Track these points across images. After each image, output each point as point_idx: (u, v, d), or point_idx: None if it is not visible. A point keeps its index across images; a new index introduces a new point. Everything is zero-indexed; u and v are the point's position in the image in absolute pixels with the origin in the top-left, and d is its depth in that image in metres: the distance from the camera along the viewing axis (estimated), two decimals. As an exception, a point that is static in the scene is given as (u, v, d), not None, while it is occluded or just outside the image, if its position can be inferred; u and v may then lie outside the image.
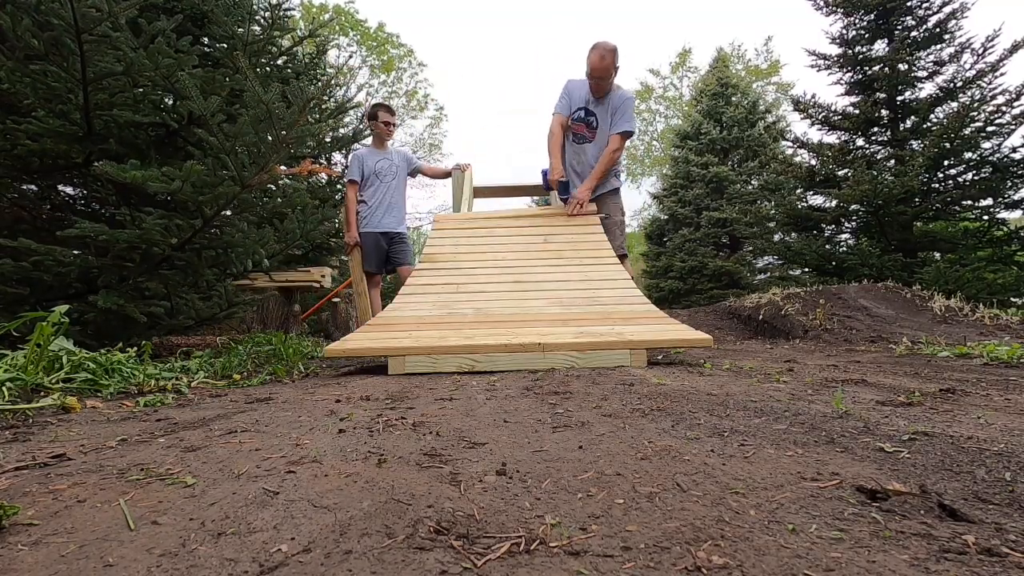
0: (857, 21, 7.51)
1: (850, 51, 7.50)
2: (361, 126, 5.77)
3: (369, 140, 4.27)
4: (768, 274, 11.58)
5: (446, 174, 4.36)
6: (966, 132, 6.09)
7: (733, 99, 13.67)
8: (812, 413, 1.20)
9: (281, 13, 3.68)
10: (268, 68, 3.97)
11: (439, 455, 0.94)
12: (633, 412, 1.27)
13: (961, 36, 6.81)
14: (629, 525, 0.62)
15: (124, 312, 2.44)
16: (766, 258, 11.55)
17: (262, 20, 3.71)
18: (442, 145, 22.81)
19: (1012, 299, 5.56)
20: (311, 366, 2.74)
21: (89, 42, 2.24)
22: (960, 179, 6.65)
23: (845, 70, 7.66)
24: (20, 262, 2.27)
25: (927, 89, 7.10)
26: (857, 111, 7.33)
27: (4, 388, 1.50)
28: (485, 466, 0.87)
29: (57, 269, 2.35)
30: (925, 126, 6.96)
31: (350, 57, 19.40)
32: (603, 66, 3.32)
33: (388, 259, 4.04)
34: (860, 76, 7.51)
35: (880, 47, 7.47)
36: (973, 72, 6.57)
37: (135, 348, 2.23)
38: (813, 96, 7.60)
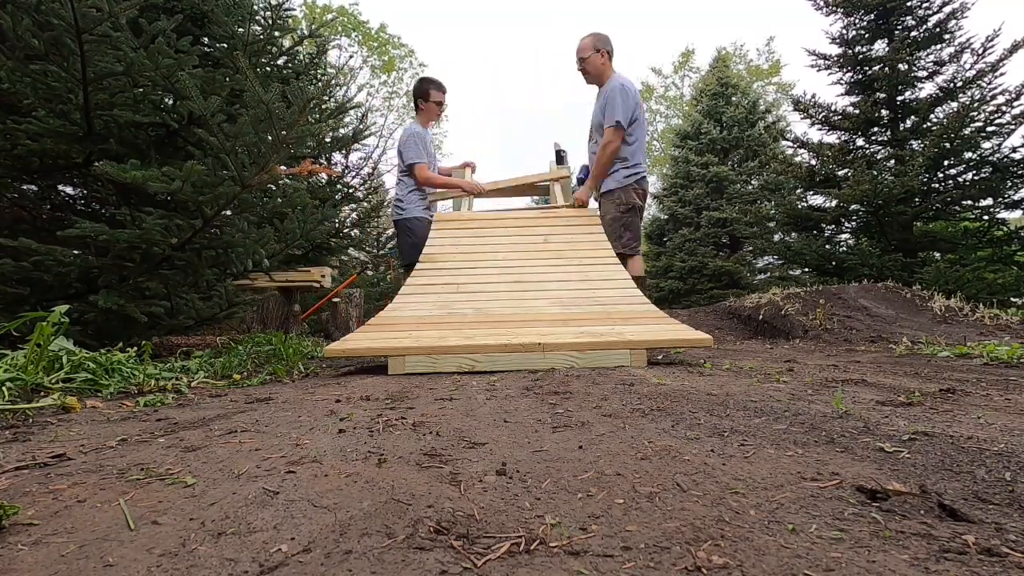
0: (857, 21, 7.51)
1: (850, 51, 7.50)
2: (361, 126, 5.77)
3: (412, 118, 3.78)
4: (768, 274, 11.59)
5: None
6: (966, 132, 6.09)
7: (733, 99, 13.67)
8: (812, 413, 1.20)
9: (281, 13, 3.68)
10: (268, 68, 3.97)
11: (439, 455, 0.94)
12: (633, 412, 1.27)
13: (961, 36, 6.81)
14: (629, 525, 0.62)
15: (124, 312, 2.44)
16: (766, 258, 11.56)
17: (262, 20, 3.71)
18: (442, 145, 22.83)
19: (1012, 299, 5.56)
20: (311, 366, 2.74)
21: (89, 42, 2.24)
22: (960, 179, 6.65)
23: (845, 70, 7.66)
24: (20, 262, 2.27)
25: (927, 89, 7.11)
26: (857, 111, 7.33)
27: (4, 388, 1.50)
28: (485, 466, 0.87)
29: (57, 269, 2.35)
30: (925, 126, 6.96)
31: (351, 57, 19.40)
32: (578, 47, 3.31)
33: None
34: (860, 76, 7.51)
35: (880, 47, 7.47)
36: (973, 72, 6.57)
37: (135, 348, 2.23)
38: (813, 96, 7.61)
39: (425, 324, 2.61)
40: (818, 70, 7.86)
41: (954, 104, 6.64)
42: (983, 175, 6.35)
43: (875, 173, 6.35)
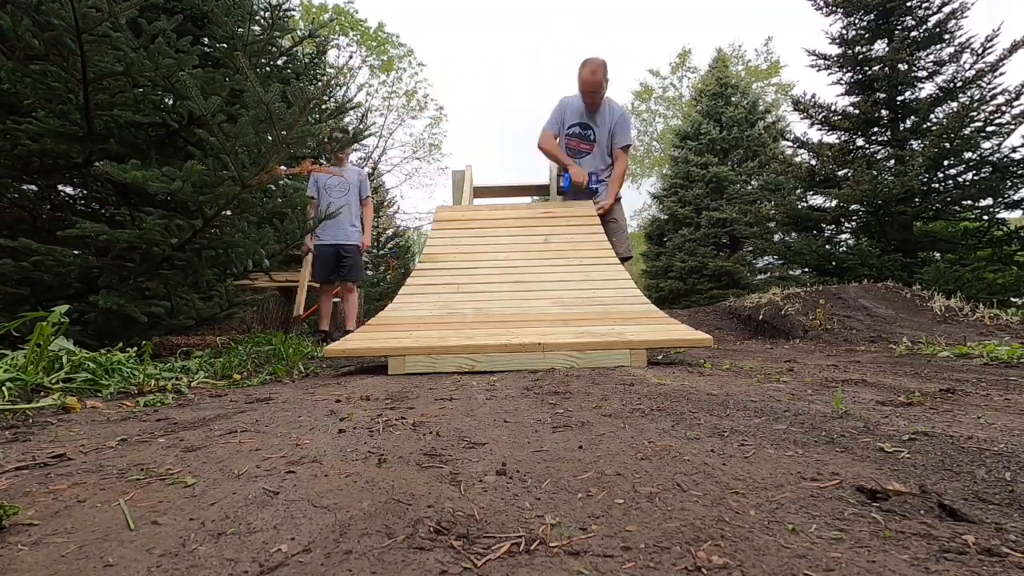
0: (857, 21, 7.51)
1: (850, 51, 7.50)
2: (361, 126, 5.77)
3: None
4: (768, 274, 11.59)
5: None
6: (966, 132, 6.09)
7: (733, 99, 13.68)
8: (812, 413, 1.20)
9: (281, 13, 3.68)
10: (268, 68, 3.97)
11: (439, 455, 0.94)
12: (633, 412, 1.27)
13: (961, 36, 6.81)
14: (629, 525, 0.62)
15: (124, 312, 2.44)
16: (766, 258, 11.57)
17: (262, 20, 3.71)
18: (442, 145, 22.84)
19: (1012, 299, 5.56)
20: (311, 366, 2.74)
21: (89, 42, 2.24)
22: (960, 179, 6.65)
23: (845, 70, 7.66)
24: (20, 262, 2.27)
25: (927, 89, 7.11)
26: (857, 111, 7.33)
27: (4, 388, 1.50)
28: (485, 466, 0.87)
29: (57, 269, 2.35)
30: (925, 126, 6.96)
31: (350, 57, 19.40)
32: (595, 80, 3.45)
33: None
34: (860, 76, 7.51)
35: (880, 47, 7.47)
36: (973, 72, 6.57)
37: (135, 348, 2.23)
38: (813, 96, 7.61)
39: (425, 324, 2.61)
40: (818, 70, 7.86)
41: (954, 104, 6.64)
42: (983, 175, 6.35)
43: (875, 173, 6.35)
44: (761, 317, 4.77)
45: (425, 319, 2.66)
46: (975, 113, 6.09)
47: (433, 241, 3.26)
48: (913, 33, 7.10)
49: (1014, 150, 6.12)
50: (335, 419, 1.29)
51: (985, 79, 6.39)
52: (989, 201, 6.45)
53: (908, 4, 7.04)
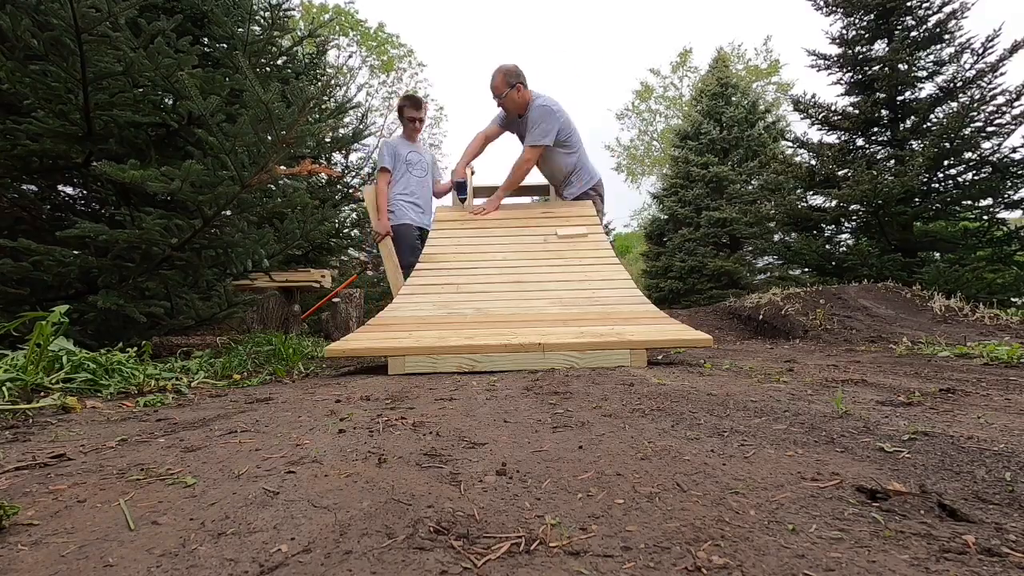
0: (857, 21, 7.51)
1: (850, 51, 7.50)
2: (361, 126, 5.77)
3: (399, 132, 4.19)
4: (768, 274, 11.57)
5: (447, 191, 4.28)
6: (966, 132, 6.09)
7: (733, 99, 13.67)
8: (812, 413, 1.20)
9: (281, 13, 3.68)
10: (268, 68, 3.97)
11: (439, 455, 0.94)
12: (633, 412, 1.27)
13: (961, 36, 6.81)
14: (629, 525, 0.62)
15: (124, 312, 2.44)
16: (766, 258, 11.55)
17: (262, 20, 3.71)
18: (442, 145, 22.86)
19: (1012, 299, 5.56)
20: (311, 366, 2.74)
21: (89, 42, 2.24)
22: (960, 179, 6.65)
23: (845, 70, 7.66)
24: (20, 262, 2.27)
25: (927, 89, 7.10)
26: (857, 111, 7.33)
27: (4, 388, 1.50)
28: (485, 466, 0.87)
29: (57, 269, 2.35)
30: (925, 126, 6.96)
31: (350, 57, 19.41)
32: (491, 87, 3.47)
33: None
34: (860, 76, 7.51)
35: (880, 47, 7.46)
36: (973, 72, 6.57)
37: (135, 348, 2.23)
38: (813, 96, 7.60)
39: (425, 324, 2.61)
40: (818, 70, 7.85)
41: (954, 104, 6.64)
42: (983, 175, 6.35)
43: (875, 173, 6.34)
44: (761, 317, 4.77)
45: (425, 319, 2.66)
46: (975, 113, 6.08)
47: (433, 241, 3.26)
48: (913, 33, 7.09)
49: (1014, 150, 6.11)
50: (335, 419, 1.29)
51: (985, 79, 6.39)
52: (989, 201, 6.44)
53: (908, 4, 7.03)
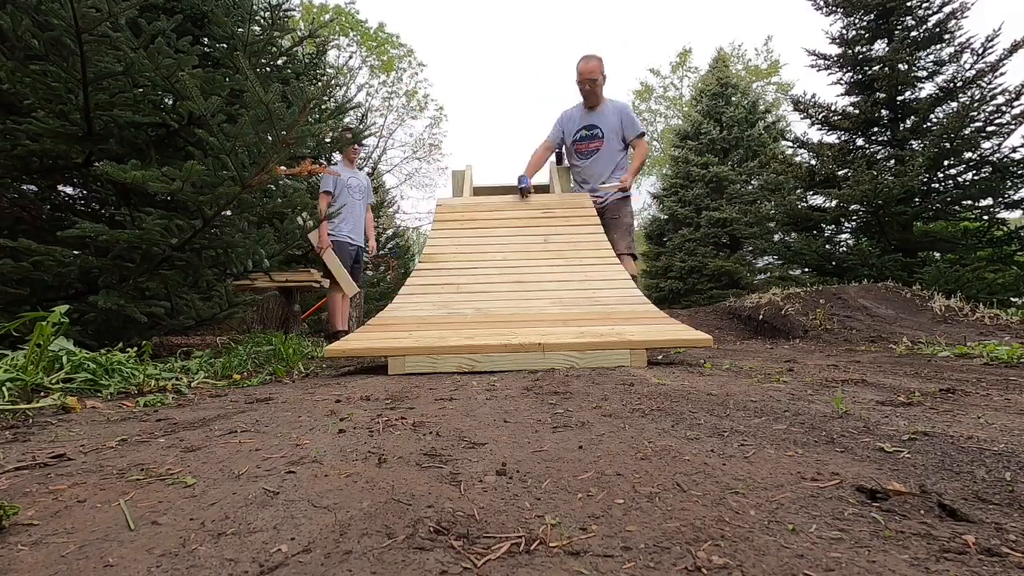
0: (857, 21, 7.51)
1: (850, 51, 7.50)
2: (360, 126, 5.79)
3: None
4: (768, 274, 11.57)
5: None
6: (966, 132, 6.09)
7: (733, 99, 13.67)
8: (812, 413, 1.20)
9: (281, 13, 3.68)
10: (268, 68, 3.97)
11: (439, 455, 0.94)
12: (633, 412, 1.27)
13: (961, 36, 6.81)
14: (629, 525, 0.62)
15: (124, 312, 2.44)
16: (766, 258, 11.55)
17: (262, 20, 3.71)
18: (442, 145, 22.87)
19: (1012, 299, 5.56)
20: (311, 366, 2.74)
21: (89, 42, 2.24)
22: (960, 179, 6.65)
23: (845, 70, 7.66)
24: (20, 262, 2.27)
25: (927, 89, 7.11)
26: (857, 111, 7.33)
27: (4, 388, 1.50)
28: (485, 466, 0.87)
29: (57, 269, 2.35)
30: (925, 126, 6.96)
31: (350, 57, 19.41)
32: (589, 68, 3.53)
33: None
34: (860, 76, 7.51)
35: (880, 47, 7.46)
36: (973, 72, 6.57)
37: (135, 348, 2.23)
38: (813, 96, 7.61)
39: (425, 324, 2.61)
40: (818, 70, 7.85)
41: (954, 104, 6.64)
42: (983, 175, 6.35)
43: (875, 173, 6.35)
44: (761, 317, 4.77)
45: (425, 319, 2.66)
46: (975, 113, 6.09)
47: (433, 241, 3.26)
48: (913, 33, 7.09)
49: (1014, 150, 6.12)
50: (335, 419, 1.29)
51: (985, 79, 6.39)
52: (989, 201, 6.44)
53: (908, 4, 7.03)
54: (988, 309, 4.04)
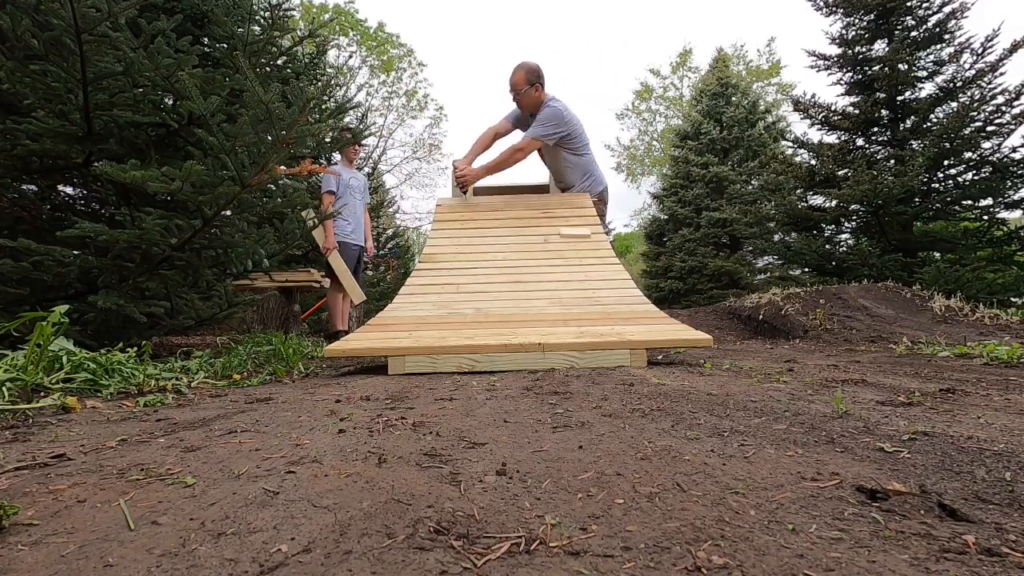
0: (857, 21, 7.51)
1: (850, 51, 7.50)
2: (360, 126, 5.81)
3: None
4: (768, 274, 11.57)
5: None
6: (966, 132, 6.10)
7: (733, 99, 13.68)
8: (812, 413, 1.20)
9: (281, 13, 3.68)
10: (268, 68, 3.97)
11: (439, 455, 0.94)
12: (633, 412, 1.27)
13: (961, 36, 6.81)
14: (629, 525, 0.62)
15: (124, 312, 2.44)
16: (766, 258, 11.56)
17: (262, 20, 3.71)
18: (442, 145, 22.88)
19: (1012, 299, 5.56)
20: (311, 366, 2.74)
21: (89, 42, 2.24)
22: (960, 179, 6.65)
23: (845, 70, 7.66)
24: (20, 262, 2.27)
25: (927, 89, 7.11)
26: (857, 111, 7.33)
27: (4, 388, 1.50)
28: (485, 466, 0.87)
29: (57, 269, 2.35)
30: (925, 126, 6.96)
31: (350, 57, 19.42)
32: (512, 80, 3.51)
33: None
34: (860, 76, 7.51)
35: (880, 47, 7.47)
36: (973, 72, 6.57)
37: (135, 348, 2.23)
38: (813, 96, 7.61)
39: (425, 324, 2.61)
40: (818, 70, 7.86)
41: (954, 104, 6.64)
42: (983, 175, 6.36)
43: (875, 173, 6.35)
44: (761, 317, 4.77)
45: (425, 319, 2.66)
46: (975, 113, 6.09)
47: (433, 241, 3.26)
48: (913, 33, 7.09)
49: (1014, 150, 6.12)
50: (335, 419, 1.29)
51: (985, 79, 6.40)
52: (989, 201, 6.45)
53: (908, 4, 7.03)
54: (988, 309, 4.04)
